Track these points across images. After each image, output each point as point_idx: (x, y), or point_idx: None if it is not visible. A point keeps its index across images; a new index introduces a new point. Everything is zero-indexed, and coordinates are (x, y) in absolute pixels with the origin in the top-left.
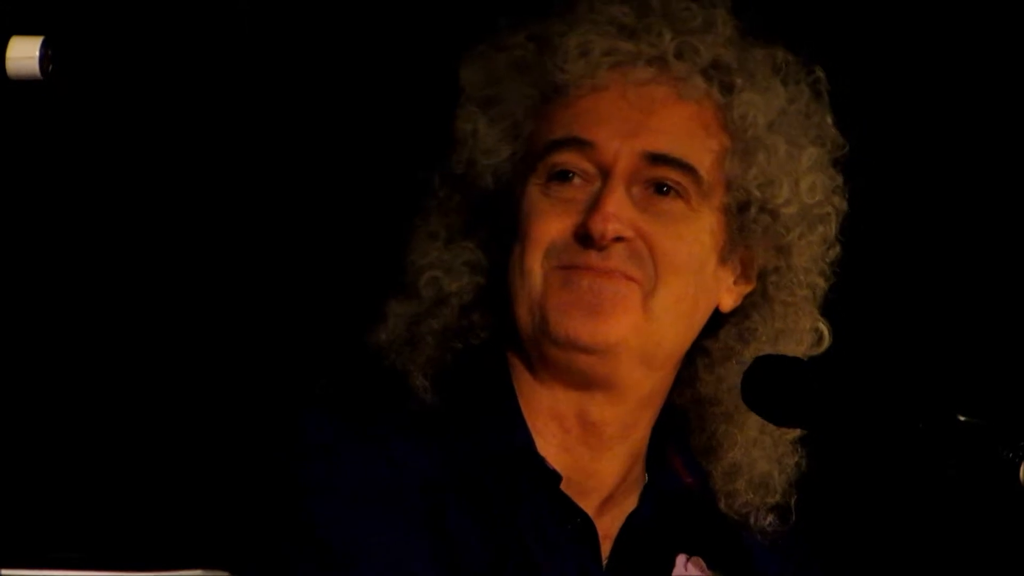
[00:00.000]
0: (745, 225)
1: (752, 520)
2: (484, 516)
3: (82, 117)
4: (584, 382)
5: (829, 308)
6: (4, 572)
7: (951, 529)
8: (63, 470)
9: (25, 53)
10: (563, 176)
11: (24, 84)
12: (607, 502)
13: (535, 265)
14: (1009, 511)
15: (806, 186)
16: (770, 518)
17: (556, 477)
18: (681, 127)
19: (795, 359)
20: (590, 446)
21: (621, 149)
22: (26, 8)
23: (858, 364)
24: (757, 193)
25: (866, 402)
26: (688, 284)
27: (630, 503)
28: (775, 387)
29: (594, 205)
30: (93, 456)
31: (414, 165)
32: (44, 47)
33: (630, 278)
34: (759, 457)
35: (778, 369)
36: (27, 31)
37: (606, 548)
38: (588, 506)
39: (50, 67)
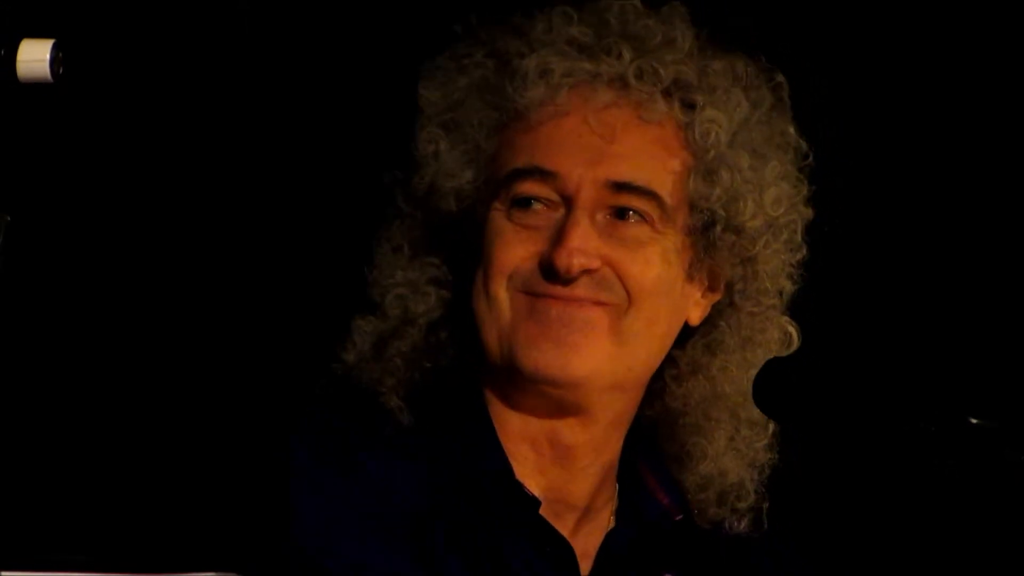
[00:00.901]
0: (711, 242)
1: (726, 526)
2: (467, 543)
3: (92, 120)
4: (555, 409)
5: (838, 310)
6: (6, 574)
7: (959, 531)
8: (67, 472)
9: (36, 56)
10: (525, 203)
11: (34, 87)
12: (582, 519)
13: (500, 291)
14: (1018, 513)
15: (770, 199)
16: (744, 523)
17: (535, 502)
18: (643, 152)
19: (805, 361)
20: (564, 467)
21: (584, 178)
22: (37, 11)
23: (867, 365)
24: (721, 212)
25: (877, 404)
26: (659, 306)
27: (604, 519)
28: (785, 390)
29: (558, 238)
30: (93, 459)
31: (378, 169)
32: (55, 50)
33: (600, 303)
34: (730, 467)
35: (789, 372)
36: (38, 34)
37: (585, 567)
38: (564, 526)
39: (60, 70)
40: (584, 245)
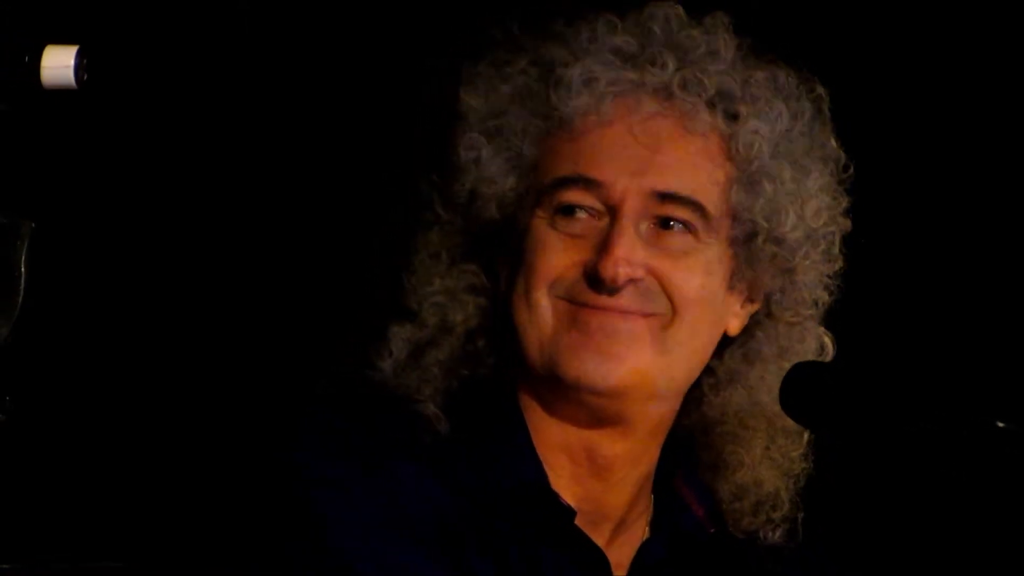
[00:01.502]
0: (752, 253)
1: (760, 537)
2: (500, 551)
3: (116, 127)
4: (594, 419)
5: (866, 317)
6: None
7: (985, 537)
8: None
9: (60, 62)
10: (569, 212)
11: (59, 93)
12: (617, 530)
13: (542, 299)
14: None
15: (811, 211)
16: (778, 533)
17: (571, 512)
18: (687, 162)
19: (833, 366)
20: (601, 478)
21: (629, 188)
22: (61, 17)
23: (895, 370)
24: (764, 223)
25: (906, 408)
26: (702, 316)
27: (639, 530)
28: (814, 394)
29: (604, 247)
30: (120, 461)
31: (415, 173)
32: (79, 56)
33: (646, 314)
34: (766, 477)
35: (817, 376)
36: (62, 40)
37: None
38: (600, 536)
39: (85, 77)
40: (630, 255)
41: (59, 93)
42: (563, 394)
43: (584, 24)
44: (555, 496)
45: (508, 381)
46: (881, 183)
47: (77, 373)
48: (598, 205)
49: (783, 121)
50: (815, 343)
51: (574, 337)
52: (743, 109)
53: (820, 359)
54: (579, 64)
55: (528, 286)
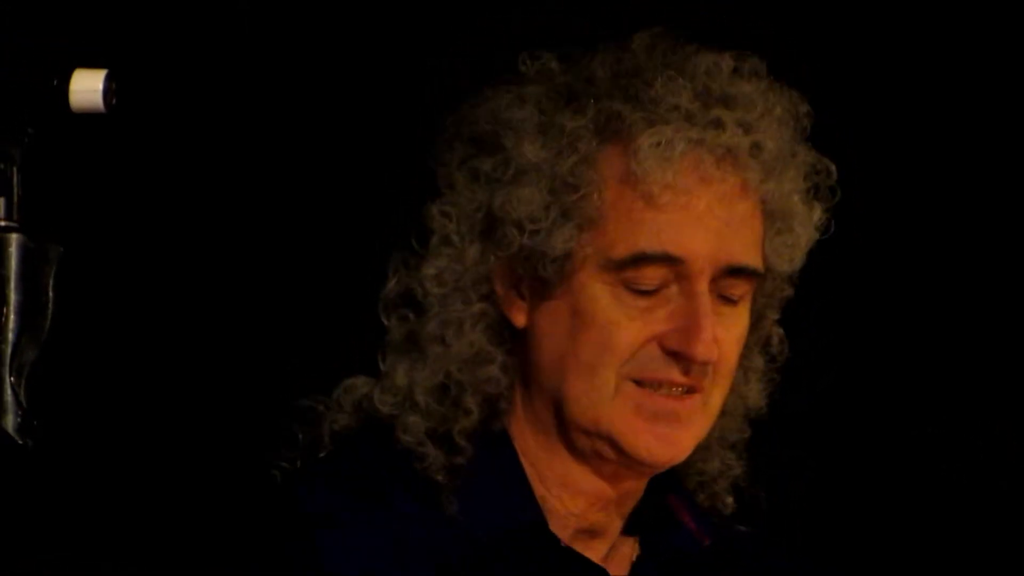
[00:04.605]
0: (767, 301)
1: (719, 509)
2: None
3: (145, 151)
4: (623, 471)
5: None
6: None
7: (960, 531)
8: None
9: (89, 86)
10: (644, 289)
11: (87, 117)
12: (611, 546)
13: (610, 376)
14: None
15: (807, 246)
16: (730, 500)
17: (569, 553)
18: (747, 229)
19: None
20: (607, 511)
21: (707, 263)
22: (90, 41)
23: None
24: (785, 269)
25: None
26: (733, 375)
27: (628, 546)
28: None
29: (690, 328)
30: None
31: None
32: (108, 80)
33: (700, 390)
34: (713, 455)
35: None
36: (91, 64)
37: None
38: (595, 554)
39: (114, 101)
40: (713, 335)
41: (88, 117)
42: (601, 451)
43: (645, 76)
44: (555, 539)
45: (506, 412)
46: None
47: (104, 396)
48: (670, 276)
49: (804, 166)
50: (774, 333)
51: (637, 422)
52: (779, 165)
53: (777, 348)
54: (652, 129)
55: (596, 362)
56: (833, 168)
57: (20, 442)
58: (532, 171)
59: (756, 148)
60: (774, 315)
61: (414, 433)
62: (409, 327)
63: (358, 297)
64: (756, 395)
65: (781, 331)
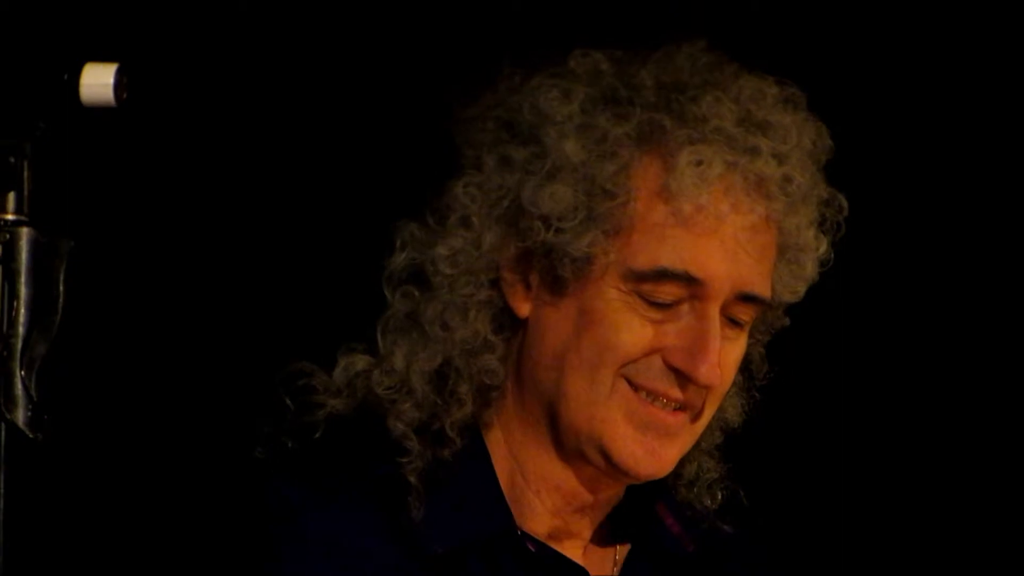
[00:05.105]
0: (763, 327)
1: (704, 505)
2: None
3: (155, 145)
4: (605, 478)
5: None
6: None
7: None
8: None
9: (99, 80)
10: (660, 303)
11: (98, 111)
12: (589, 545)
13: (608, 377)
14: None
15: (814, 279)
16: (717, 497)
17: (545, 552)
18: (765, 259)
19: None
20: (582, 513)
21: (723, 288)
22: (100, 35)
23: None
24: (788, 299)
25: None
26: (724, 396)
27: (611, 544)
28: None
29: (697, 349)
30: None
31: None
32: (118, 74)
33: (691, 408)
34: (693, 458)
35: None
36: (101, 58)
37: None
38: (573, 552)
39: (124, 95)
40: (718, 359)
41: (98, 111)
42: (587, 454)
43: (684, 89)
44: (523, 544)
45: (496, 403)
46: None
47: (113, 389)
48: (685, 295)
49: (818, 201)
50: (756, 353)
51: (628, 431)
52: (801, 200)
53: (757, 367)
54: (693, 147)
55: (598, 360)
56: (845, 204)
57: (30, 435)
58: (568, 170)
59: (786, 180)
60: (764, 340)
61: (405, 422)
62: (412, 304)
63: (359, 264)
64: (734, 411)
65: (763, 350)
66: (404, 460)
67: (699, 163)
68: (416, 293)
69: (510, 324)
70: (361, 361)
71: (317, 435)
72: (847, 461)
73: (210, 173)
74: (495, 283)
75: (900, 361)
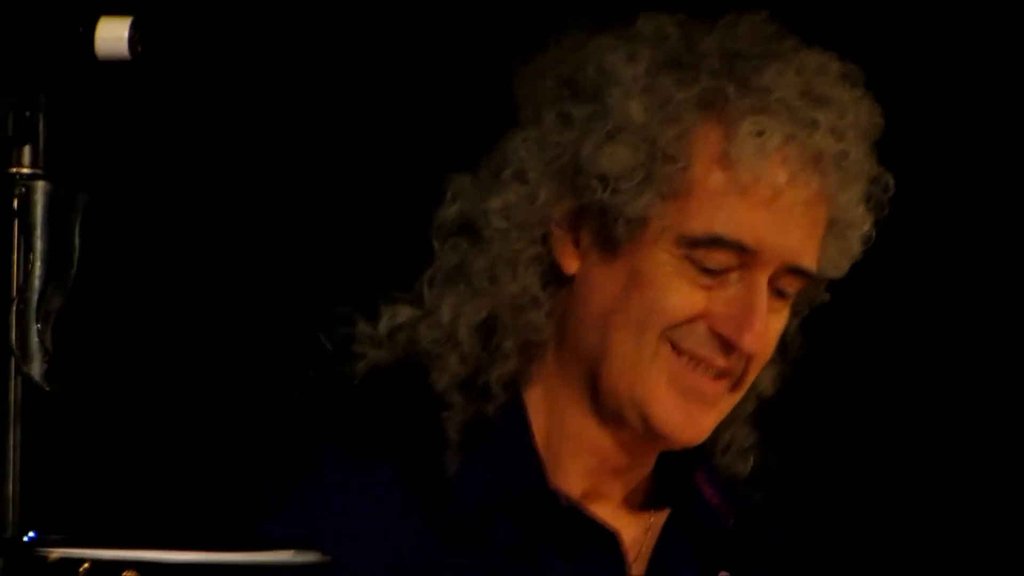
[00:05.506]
0: (804, 301)
1: (738, 471)
2: (497, 550)
3: (170, 98)
4: (644, 442)
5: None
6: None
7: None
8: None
9: (114, 34)
10: (710, 270)
11: (113, 65)
12: (621, 508)
13: (652, 337)
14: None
15: (857, 256)
16: (748, 462)
17: (575, 513)
18: (815, 233)
19: None
20: (618, 475)
21: (773, 259)
22: None
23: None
24: (832, 274)
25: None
26: (763, 367)
27: (647, 508)
28: None
29: (742, 317)
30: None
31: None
32: (133, 28)
33: (732, 376)
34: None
35: None
36: (116, 11)
37: (630, 557)
38: (605, 514)
39: (139, 48)
40: (764, 328)
41: (113, 64)
42: (626, 417)
43: (748, 58)
44: (555, 498)
45: (537, 360)
46: None
47: (130, 342)
48: (735, 263)
49: (867, 179)
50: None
51: (669, 396)
52: (854, 177)
53: (792, 338)
54: (755, 117)
55: (644, 321)
56: (892, 183)
57: (46, 389)
58: (630, 131)
59: (842, 156)
60: (804, 314)
61: (450, 376)
62: (461, 256)
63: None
64: (768, 380)
65: (797, 322)
66: (446, 415)
67: (760, 133)
68: (465, 246)
69: (556, 281)
70: (404, 313)
71: (356, 386)
72: (875, 435)
73: (224, 125)
74: (545, 239)
75: (934, 338)
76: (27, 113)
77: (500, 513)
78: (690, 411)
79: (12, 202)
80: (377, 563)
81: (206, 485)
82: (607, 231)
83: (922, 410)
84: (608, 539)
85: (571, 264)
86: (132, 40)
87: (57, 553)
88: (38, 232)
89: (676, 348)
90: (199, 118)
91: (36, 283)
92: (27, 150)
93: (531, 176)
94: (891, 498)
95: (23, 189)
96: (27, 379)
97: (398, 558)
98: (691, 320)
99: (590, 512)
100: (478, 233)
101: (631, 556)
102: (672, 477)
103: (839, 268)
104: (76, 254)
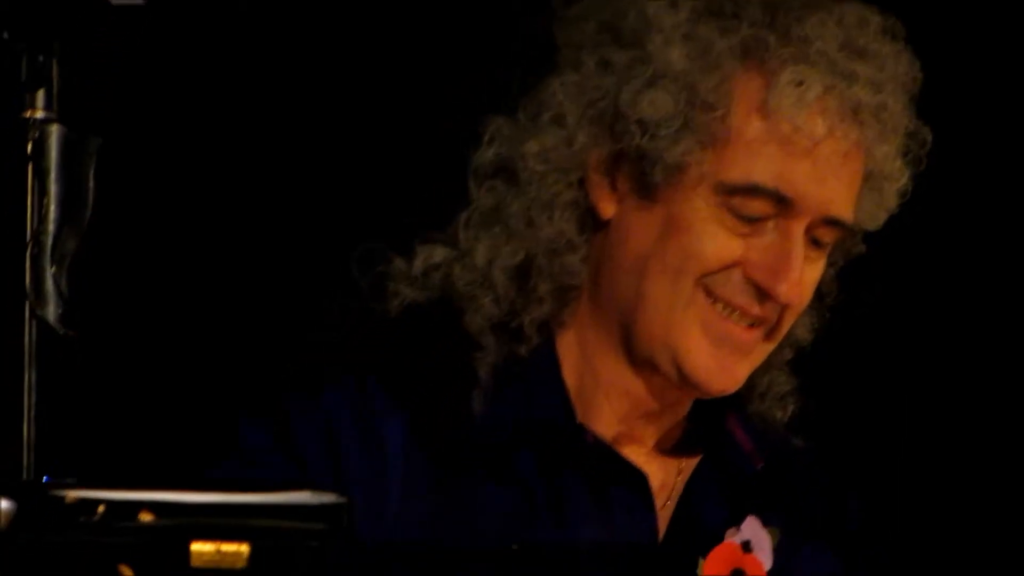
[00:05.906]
0: (840, 253)
1: (776, 416)
2: (521, 482)
3: (184, 44)
4: (672, 391)
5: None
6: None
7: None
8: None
9: None
10: (748, 217)
11: (127, 9)
12: (652, 452)
13: (688, 284)
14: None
15: (893, 209)
16: (788, 410)
17: (600, 445)
18: (852, 185)
19: None
20: (650, 420)
21: (811, 209)
22: None
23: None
24: (868, 226)
25: None
26: (798, 317)
27: (677, 453)
28: None
29: (778, 265)
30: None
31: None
32: None
33: (766, 325)
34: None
35: None
36: None
37: (660, 501)
38: (636, 456)
39: None
40: (800, 277)
41: (127, 9)
42: (659, 363)
43: (789, 9)
44: (581, 435)
45: (572, 304)
46: None
47: (144, 285)
48: (772, 212)
49: (904, 132)
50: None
51: (703, 343)
52: (892, 130)
53: (828, 288)
54: (795, 67)
55: (681, 267)
56: (929, 138)
57: (61, 332)
58: (670, 77)
59: (880, 108)
60: (839, 264)
61: (484, 317)
62: (497, 199)
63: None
64: (804, 329)
65: (833, 272)
66: (478, 355)
67: (799, 83)
68: (502, 188)
69: (593, 226)
70: (440, 253)
71: (391, 324)
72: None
73: (239, 70)
74: (582, 183)
75: (970, 287)
76: (41, 58)
77: (525, 448)
78: (723, 360)
79: (27, 146)
80: (359, 477)
81: (225, 427)
82: (645, 177)
83: (958, 359)
84: (637, 478)
85: (608, 209)
86: None
87: (73, 495)
88: (52, 176)
89: (711, 295)
90: (215, 61)
91: (51, 227)
92: (41, 95)
93: (569, 120)
94: (928, 444)
95: (37, 133)
96: (42, 322)
97: (391, 482)
98: (727, 267)
99: (619, 452)
100: (515, 176)
101: (660, 500)
102: (706, 423)
103: (875, 220)
104: (91, 197)
